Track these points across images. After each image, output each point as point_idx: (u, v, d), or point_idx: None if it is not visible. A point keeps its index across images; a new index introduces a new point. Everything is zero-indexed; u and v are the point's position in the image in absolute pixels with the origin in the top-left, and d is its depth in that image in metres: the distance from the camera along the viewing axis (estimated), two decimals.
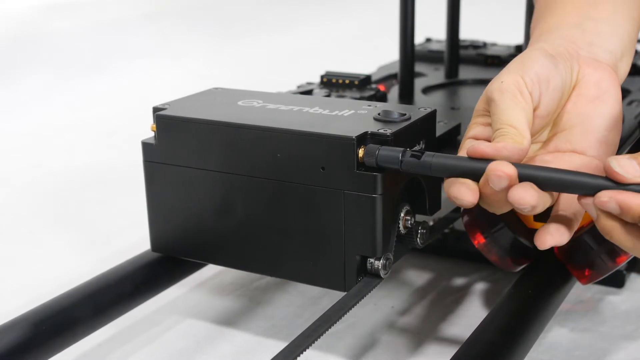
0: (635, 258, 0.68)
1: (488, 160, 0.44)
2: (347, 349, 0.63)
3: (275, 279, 0.73)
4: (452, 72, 0.86)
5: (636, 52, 0.84)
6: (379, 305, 0.69)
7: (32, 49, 1.61)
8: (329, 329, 0.47)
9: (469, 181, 0.45)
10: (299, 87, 0.72)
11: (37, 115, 1.35)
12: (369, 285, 0.51)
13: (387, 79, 0.85)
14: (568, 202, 0.47)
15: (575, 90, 0.51)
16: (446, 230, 0.76)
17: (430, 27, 1.16)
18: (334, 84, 0.73)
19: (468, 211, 0.58)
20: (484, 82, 0.83)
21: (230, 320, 0.68)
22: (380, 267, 0.50)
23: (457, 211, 0.62)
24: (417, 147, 0.52)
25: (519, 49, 0.92)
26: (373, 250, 0.49)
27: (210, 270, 0.75)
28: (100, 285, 0.58)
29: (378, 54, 1.19)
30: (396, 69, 0.84)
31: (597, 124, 0.50)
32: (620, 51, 0.54)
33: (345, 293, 0.50)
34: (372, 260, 0.50)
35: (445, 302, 0.70)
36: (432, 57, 0.93)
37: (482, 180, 0.44)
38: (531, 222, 0.57)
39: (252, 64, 1.71)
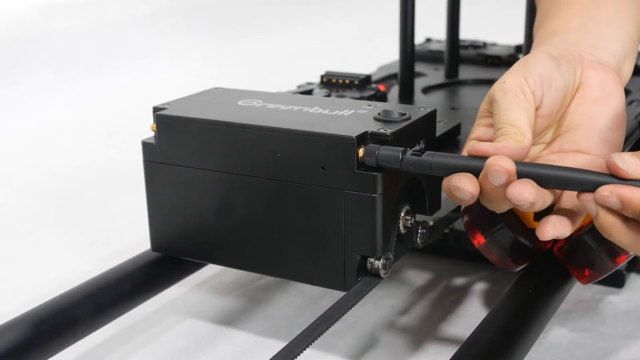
0: (635, 258, 0.68)
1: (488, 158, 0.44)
2: (347, 349, 0.63)
3: (275, 278, 0.73)
4: (452, 72, 0.86)
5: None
6: (378, 305, 0.69)
7: (32, 49, 1.61)
8: (329, 329, 0.47)
9: (469, 174, 0.45)
10: (299, 87, 0.72)
11: (37, 115, 1.35)
12: (369, 285, 0.51)
13: (387, 79, 0.85)
14: (571, 198, 0.47)
15: (579, 92, 0.51)
16: (446, 230, 0.76)
17: (430, 27, 1.16)
18: (334, 84, 0.73)
19: (468, 211, 0.58)
20: (484, 82, 0.83)
21: (230, 320, 0.68)
22: (380, 267, 0.50)
23: (457, 211, 0.62)
24: (417, 147, 0.52)
25: (519, 49, 0.92)
26: (373, 250, 0.49)
27: (210, 270, 0.75)
28: (100, 285, 0.58)
29: (378, 54, 1.19)
30: (396, 69, 0.84)
31: (601, 123, 0.50)
32: (624, 54, 0.54)
33: (345, 293, 0.50)
34: (372, 260, 0.50)
35: (445, 302, 0.70)
36: (432, 57, 0.93)
37: (481, 175, 0.44)
38: (531, 222, 0.57)
39: (252, 64, 1.71)
